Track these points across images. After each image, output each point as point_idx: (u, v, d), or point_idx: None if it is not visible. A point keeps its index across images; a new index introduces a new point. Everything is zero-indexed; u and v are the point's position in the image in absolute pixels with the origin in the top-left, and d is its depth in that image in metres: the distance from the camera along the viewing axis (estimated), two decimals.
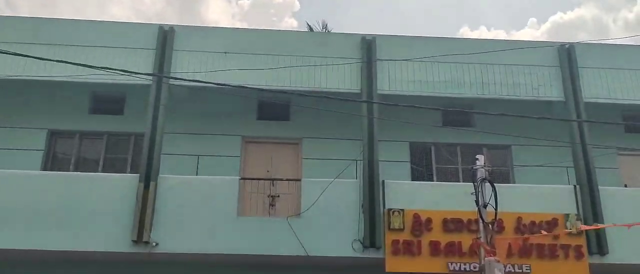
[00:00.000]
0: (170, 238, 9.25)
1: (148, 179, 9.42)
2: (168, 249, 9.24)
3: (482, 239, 7.10)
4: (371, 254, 9.51)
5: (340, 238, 9.52)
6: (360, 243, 9.53)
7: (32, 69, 9.90)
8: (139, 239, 9.06)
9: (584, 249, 9.48)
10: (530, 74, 10.83)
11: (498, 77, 10.76)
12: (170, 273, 9.90)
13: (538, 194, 10.00)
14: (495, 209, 7.03)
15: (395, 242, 9.49)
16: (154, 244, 9.12)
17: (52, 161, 11.11)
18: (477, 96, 10.75)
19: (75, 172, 10.53)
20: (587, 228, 8.70)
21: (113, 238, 9.17)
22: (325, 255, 9.42)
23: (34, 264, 9.62)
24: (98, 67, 7.57)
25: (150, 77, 9.89)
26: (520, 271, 9.40)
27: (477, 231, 7.45)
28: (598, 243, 9.50)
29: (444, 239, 9.53)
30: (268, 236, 9.40)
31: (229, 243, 9.35)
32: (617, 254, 9.46)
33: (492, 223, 7.18)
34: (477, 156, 7.65)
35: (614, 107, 11.12)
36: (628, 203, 9.95)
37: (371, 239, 9.49)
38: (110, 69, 7.50)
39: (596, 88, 10.83)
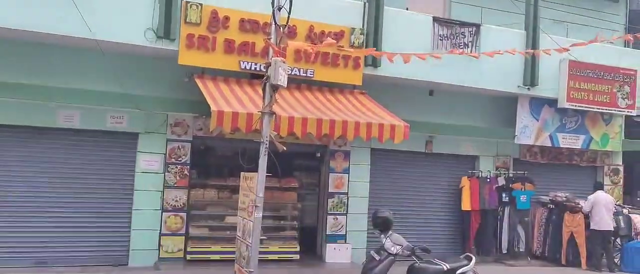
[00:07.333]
0: None
1: None
2: None
3: (272, 40, 7.41)
4: (164, 45, 9.38)
5: (132, 25, 9.15)
6: (154, 32, 9.29)
7: None
8: None
9: (361, 61, 10.55)
10: None
11: None
12: None
13: (331, 7, 10.50)
14: (289, 12, 7.26)
15: (190, 36, 9.44)
16: None
17: None
18: None
19: None
20: (364, 52, 9.75)
21: None
22: (114, 40, 9.03)
23: None
24: None
25: None
26: (305, 75, 10.23)
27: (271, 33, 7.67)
28: (373, 57, 10.58)
29: (239, 38, 9.75)
30: (49, 12, 8.59)
31: (6, 16, 8.40)
32: (387, 68, 10.67)
33: (284, 26, 7.50)
34: None
35: None
36: (406, 25, 11.06)
37: (166, 30, 9.31)
38: None
39: None
